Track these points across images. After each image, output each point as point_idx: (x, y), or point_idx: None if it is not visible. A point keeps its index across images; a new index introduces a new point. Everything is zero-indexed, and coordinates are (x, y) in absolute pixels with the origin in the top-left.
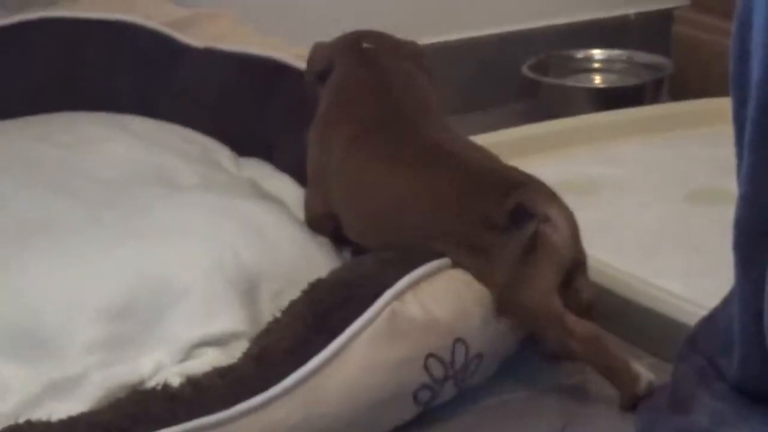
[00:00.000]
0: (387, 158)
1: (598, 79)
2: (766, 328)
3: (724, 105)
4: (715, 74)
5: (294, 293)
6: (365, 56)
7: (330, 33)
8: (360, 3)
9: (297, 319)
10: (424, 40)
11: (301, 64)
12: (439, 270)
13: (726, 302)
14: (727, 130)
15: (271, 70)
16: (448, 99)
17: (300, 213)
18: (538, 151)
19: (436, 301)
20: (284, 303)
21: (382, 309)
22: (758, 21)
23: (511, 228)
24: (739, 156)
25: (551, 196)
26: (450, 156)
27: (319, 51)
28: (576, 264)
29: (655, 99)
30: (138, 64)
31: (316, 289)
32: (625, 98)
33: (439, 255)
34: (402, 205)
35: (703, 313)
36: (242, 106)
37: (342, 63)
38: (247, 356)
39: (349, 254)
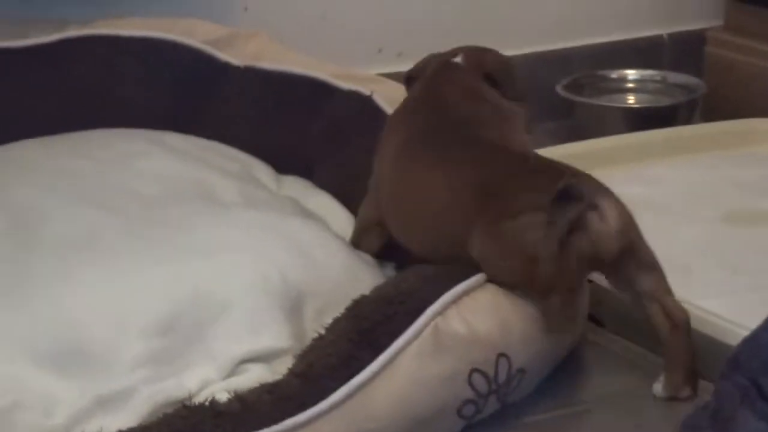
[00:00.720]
0: (431, 156)
1: (631, 99)
2: None
3: (759, 126)
4: (747, 95)
5: (338, 310)
6: (441, 71)
7: (363, 52)
8: (394, 23)
9: (342, 336)
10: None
11: (339, 83)
12: (479, 285)
13: None
14: (762, 151)
15: (311, 89)
16: None
17: (342, 230)
18: None
19: (478, 316)
20: (328, 320)
21: (426, 325)
22: None
23: (555, 208)
24: None
25: (604, 189)
26: (497, 149)
27: (422, 60)
28: (633, 259)
29: (688, 119)
30: (178, 82)
31: (359, 305)
32: (659, 118)
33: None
34: (443, 198)
35: (743, 332)
36: (282, 124)
37: (422, 74)
38: (292, 373)
39: (392, 271)
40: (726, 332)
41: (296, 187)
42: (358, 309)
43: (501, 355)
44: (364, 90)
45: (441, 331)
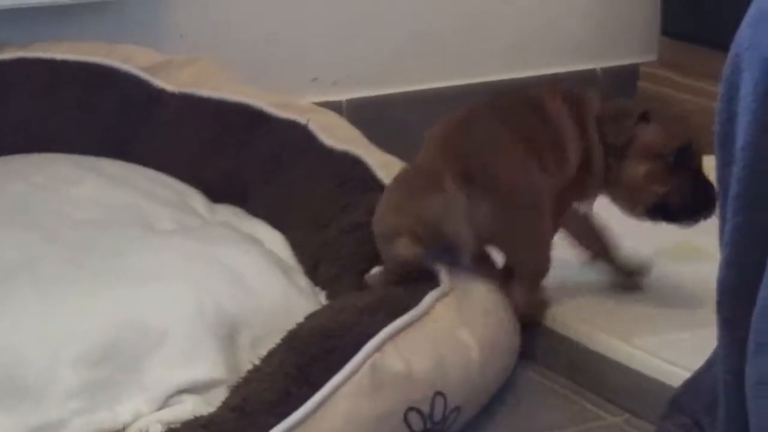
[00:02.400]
0: None
1: None
2: (747, 388)
3: None
4: None
5: (272, 340)
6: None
7: (299, 80)
8: (330, 52)
9: (278, 370)
10: (391, 89)
11: (276, 112)
12: (417, 319)
13: (710, 362)
14: None
15: (247, 117)
16: (417, 147)
17: (278, 252)
18: None
19: (416, 354)
20: (263, 350)
21: (364, 361)
22: (746, 84)
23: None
24: (723, 218)
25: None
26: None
27: None
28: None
29: None
30: (114, 108)
31: (296, 338)
32: None
33: (416, 301)
34: None
35: (677, 370)
36: (217, 151)
37: None
38: (227, 406)
39: (324, 299)
40: (661, 371)
41: (230, 215)
42: (296, 341)
43: (438, 393)
44: (301, 119)
45: (378, 368)
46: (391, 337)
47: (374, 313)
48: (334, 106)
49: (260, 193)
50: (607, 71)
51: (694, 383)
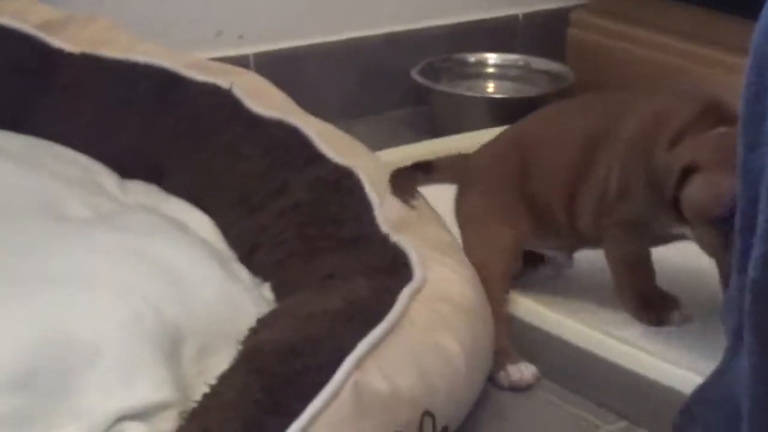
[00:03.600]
0: None
1: (491, 87)
2: None
3: None
4: (614, 82)
5: (220, 349)
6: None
7: (201, 35)
8: (235, 4)
9: (243, 395)
10: (303, 41)
11: (192, 74)
12: (395, 325)
13: (723, 371)
14: None
15: (159, 81)
16: (330, 105)
17: (208, 238)
18: None
19: (399, 370)
20: (210, 362)
21: (344, 382)
22: None
23: None
24: (752, 209)
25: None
26: None
27: None
28: None
29: None
30: (6, 72)
31: (258, 355)
32: (525, 109)
33: (389, 302)
34: None
35: (676, 370)
36: (125, 120)
37: None
38: None
39: (268, 292)
40: (653, 368)
41: (144, 193)
42: (258, 360)
43: (426, 413)
44: (223, 82)
45: (361, 389)
46: (372, 350)
47: (346, 322)
48: (241, 62)
49: (177, 169)
50: (530, 18)
51: (707, 391)
